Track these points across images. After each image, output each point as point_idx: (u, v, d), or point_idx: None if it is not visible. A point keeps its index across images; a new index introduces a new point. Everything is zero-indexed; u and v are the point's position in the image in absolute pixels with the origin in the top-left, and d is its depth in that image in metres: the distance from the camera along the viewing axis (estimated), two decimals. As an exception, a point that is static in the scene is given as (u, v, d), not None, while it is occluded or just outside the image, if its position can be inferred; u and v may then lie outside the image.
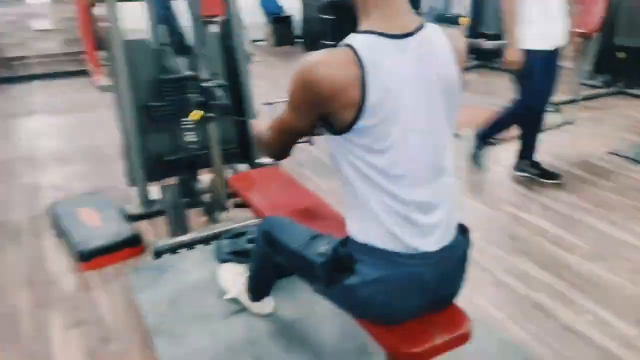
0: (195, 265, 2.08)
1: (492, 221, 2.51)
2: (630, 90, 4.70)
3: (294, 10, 7.35)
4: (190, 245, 2.20)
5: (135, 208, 2.51)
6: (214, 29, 2.37)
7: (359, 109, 1.01)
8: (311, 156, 3.27)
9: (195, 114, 2.06)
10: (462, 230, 1.21)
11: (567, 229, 2.41)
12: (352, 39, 1.04)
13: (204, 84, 2.06)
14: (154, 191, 2.51)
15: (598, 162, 3.19)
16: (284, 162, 2.43)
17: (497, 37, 5.65)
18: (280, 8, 7.39)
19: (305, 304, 1.82)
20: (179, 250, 2.17)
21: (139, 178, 2.42)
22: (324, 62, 1.02)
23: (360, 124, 1.02)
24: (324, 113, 1.06)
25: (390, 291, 1.11)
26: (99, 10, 4.41)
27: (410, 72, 1.05)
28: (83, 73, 4.86)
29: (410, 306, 1.14)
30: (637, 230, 2.39)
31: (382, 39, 1.03)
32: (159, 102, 2.30)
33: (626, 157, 3.22)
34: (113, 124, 2.46)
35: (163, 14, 2.22)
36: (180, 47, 2.29)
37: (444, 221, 1.13)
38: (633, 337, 1.71)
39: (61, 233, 2.35)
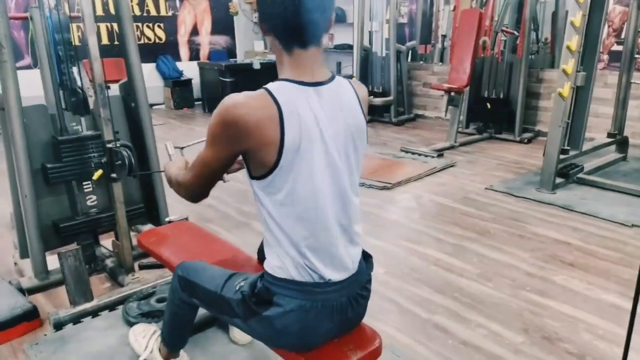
0: (101, 332, 1.97)
1: (392, 256, 2.70)
2: (498, 135, 5.45)
3: (192, 74, 7.53)
4: (94, 313, 2.09)
5: (29, 280, 2.34)
6: (116, 91, 2.41)
7: (280, 148, 1.07)
8: (218, 212, 3.30)
9: (98, 174, 2.06)
10: (365, 256, 1.33)
11: (456, 256, 2.68)
12: (268, 85, 1.11)
13: (108, 145, 2.07)
14: (51, 260, 2.36)
15: (477, 197, 3.61)
16: (192, 218, 2.45)
17: (383, 94, 6.28)
18: (180, 72, 7.54)
19: (220, 356, 1.82)
20: (82, 320, 2.05)
21: (34, 247, 2.28)
22: (243, 102, 1.08)
23: (280, 165, 1.08)
24: (243, 150, 1.11)
25: (305, 318, 1.18)
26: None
27: (322, 116, 1.13)
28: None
29: (322, 330, 1.22)
30: (513, 251, 2.73)
31: (295, 85, 1.12)
32: (58, 164, 2.25)
33: (499, 191, 3.69)
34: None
35: (60, 80, 2.21)
36: (81, 111, 2.28)
37: (352, 252, 1.25)
38: (520, 344, 1.94)
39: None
